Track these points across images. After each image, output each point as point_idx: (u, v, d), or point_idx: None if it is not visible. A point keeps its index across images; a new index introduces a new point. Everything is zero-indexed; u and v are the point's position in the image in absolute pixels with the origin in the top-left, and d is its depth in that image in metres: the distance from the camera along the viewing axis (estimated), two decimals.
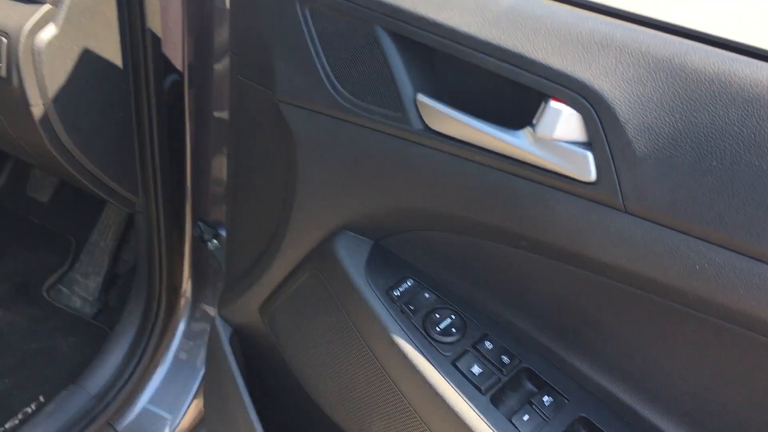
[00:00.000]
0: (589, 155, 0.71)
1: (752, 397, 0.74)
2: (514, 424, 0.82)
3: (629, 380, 0.82)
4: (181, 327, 1.62)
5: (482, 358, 0.87)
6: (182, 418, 1.56)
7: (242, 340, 1.27)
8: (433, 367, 0.85)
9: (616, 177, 0.70)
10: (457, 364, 0.86)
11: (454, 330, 0.89)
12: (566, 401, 0.85)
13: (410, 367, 0.86)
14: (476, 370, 0.86)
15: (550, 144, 0.73)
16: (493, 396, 0.84)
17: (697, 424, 0.79)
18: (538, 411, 0.83)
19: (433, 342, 0.88)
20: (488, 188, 0.79)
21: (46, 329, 1.86)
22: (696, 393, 0.77)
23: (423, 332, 0.89)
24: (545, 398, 0.84)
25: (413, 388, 0.87)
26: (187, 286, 1.61)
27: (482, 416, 0.82)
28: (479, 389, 0.84)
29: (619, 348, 0.81)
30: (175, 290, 1.60)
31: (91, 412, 1.59)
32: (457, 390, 0.84)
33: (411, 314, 0.90)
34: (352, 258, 0.94)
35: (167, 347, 1.63)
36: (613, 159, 0.70)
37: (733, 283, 0.66)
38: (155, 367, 1.62)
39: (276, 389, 1.29)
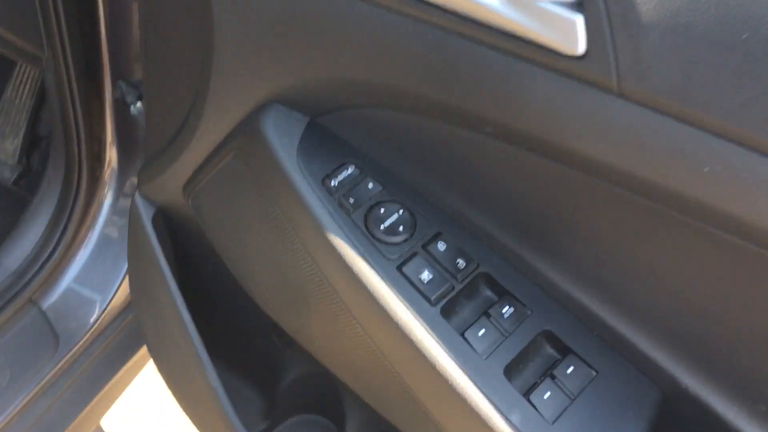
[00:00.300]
0: (579, 19, 0.54)
1: (747, 316, 0.62)
2: (467, 340, 0.70)
3: (603, 290, 0.70)
4: (108, 201, 1.46)
5: (433, 262, 0.73)
6: (112, 299, 1.44)
7: (167, 219, 1.12)
8: (375, 273, 0.72)
9: (611, 49, 0.54)
10: (404, 269, 0.72)
11: (401, 228, 0.75)
12: (529, 312, 0.72)
13: (348, 272, 0.73)
14: (425, 276, 0.72)
15: (528, 4, 0.56)
16: (445, 307, 0.71)
17: (678, 342, 0.67)
18: (495, 324, 0.71)
19: (376, 242, 0.74)
20: (448, 59, 0.62)
21: None
22: (681, 309, 0.65)
23: (365, 230, 0.74)
24: (505, 309, 0.72)
25: (353, 297, 0.74)
26: (111, 154, 1.44)
27: (431, 330, 0.69)
28: (428, 299, 0.71)
29: (594, 253, 0.68)
30: (98, 158, 1.43)
31: (11, 289, 1.45)
32: (403, 300, 0.71)
33: (351, 208, 0.75)
34: (281, 137, 0.78)
35: (93, 222, 1.47)
36: (610, 24, 0.53)
37: (751, 191, 0.52)
38: (80, 243, 1.47)
39: (206, 276, 1.15)
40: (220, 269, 1.05)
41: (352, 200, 0.76)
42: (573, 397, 0.68)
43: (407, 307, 0.70)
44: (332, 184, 0.76)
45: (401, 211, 0.76)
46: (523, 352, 0.70)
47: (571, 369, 0.70)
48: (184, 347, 1.11)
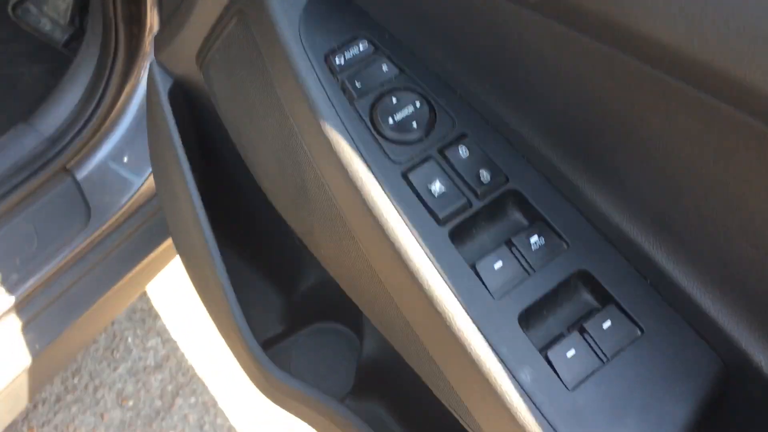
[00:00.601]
0: None
1: None
2: (477, 273, 0.55)
3: (666, 228, 0.53)
4: (146, 74, 1.34)
5: (449, 171, 0.58)
6: (145, 181, 1.35)
7: (185, 93, 0.99)
8: (374, 178, 0.57)
9: None
10: (410, 176, 0.58)
11: (415, 124, 0.59)
12: (565, 246, 0.57)
13: (344, 174, 0.58)
14: (437, 187, 0.57)
15: None
16: (456, 229, 0.57)
17: (757, 306, 0.51)
18: (518, 257, 0.56)
19: (381, 139, 0.59)
20: None
21: (10, 54, 1.61)
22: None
23: (369, 123, 0.59)
24: (534, 239, 0.57)
25: (349, 205, 0.60)
26: (152, 18, 1.31)
27: (433, 257, 0.55)
28: (435, 216, 0.56)
29: (660, 178, 0.51)
30: (137, 21, 1.30)
31: (45, 155, 1.38)
32: (404, 215, 0.56)
33: (356, 94, 0.60)
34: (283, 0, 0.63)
35: (132, 92, 1.37)
36: None
37: None
38: (119, 113, 1.38)
39: (225, 158, 1.04)
40: (233, 153, 0.93)
41: (358, 84, 0.60)
42: (605, 360, 0.53)
43: (408, 225, 0.56)
44: (337, 62, 0.61)
45: (418, 103, 0.60)
46: (549, 295, 0.55)
47: (608, 324, 0.54)
48: (195, 236, 1.00)
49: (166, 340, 1.95)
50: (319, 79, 0.60)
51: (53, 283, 1.36)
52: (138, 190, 1.38)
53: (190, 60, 0.90)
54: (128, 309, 1.98)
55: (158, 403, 1.86)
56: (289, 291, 1.09)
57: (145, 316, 1.98)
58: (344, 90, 0.60)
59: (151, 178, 1.36)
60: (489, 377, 0.52)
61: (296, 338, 1.12)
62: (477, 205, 0.57)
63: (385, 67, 0.61)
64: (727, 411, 0.56)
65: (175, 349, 1.94)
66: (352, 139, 0.58)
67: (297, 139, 0.65)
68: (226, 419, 1.86)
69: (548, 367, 0.53)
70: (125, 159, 1.38)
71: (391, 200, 0.56)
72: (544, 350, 0.53)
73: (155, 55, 0.99)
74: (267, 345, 1.11)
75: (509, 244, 0.56)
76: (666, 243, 0.53)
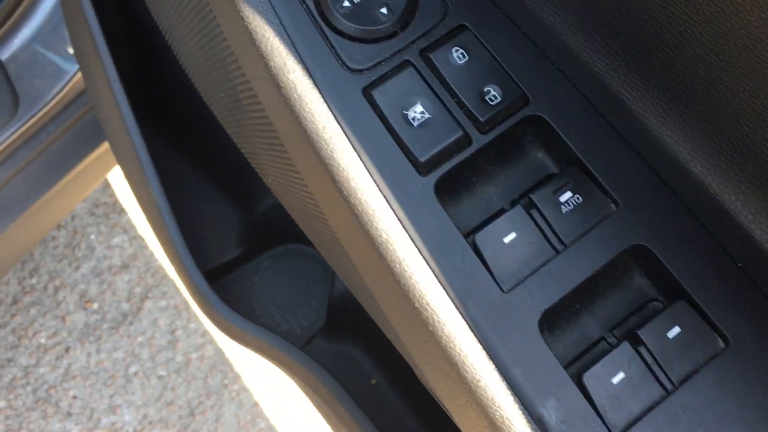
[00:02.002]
0: None
1: None
2: (477, 248, 0.35)
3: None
4: None
5: (438, 86, 0.37)
6: (76, 74, 1.12)
7: None
8: (319, 98, 0.36)
9: None
10: (375, 94, 0.37)
11: (384, 9, 0.38)
12: (613, 208, 0.37)
13: (275, 87, 0.37)
14: (417, 112, 0.36)
15: None
16: (445, 180, 0.36)
17: None
18: (540, 224, 0.36)
19: (329, 32, 0.37)
20: None
21: None
22: None
23: (311, 5, 0.38)
24: (565, 196, 0.36)
25: (287, 130, 0.39)
26: None
27: (411, 222, 0.35)
28: (414, 159, 0.36)
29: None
30: None
31: None
32: (365, 157, 0.36)
33: None
34: None
35: None
36: None
37: None
38: None
39: (152, 38, 0.81)
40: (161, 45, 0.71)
41: None
42: (670, 388, 0.35)
43: (371, 173, 0.36)
44: None
45: None
46: (586, 286, 0.35)
47: (675, 331, 0.35)
48: (124, 141, 0.80)
49: (133, 237, 1.77)
50: None
51: None
52: (74, 77, 1.15)
53: None
54: (90, 202, 1.79)
55: (125, 306, 1.71)
56: (248, 208, 0.90)
57: (109, 210, 1.80)
58: None
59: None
60: (496, 420, 0.33)
61: (258, 262, 0.93)
62: (479, 141, 0.36)
63: None
64: None
65: (143, 247, 1.77)
66: (285, 30, 0.37)
67: (216, 29, 0.43)
68: (200, 323, 1.71)
69: (582, 398, 0.34)
70: (56, 41, 1.15)
71: (345, 132, 0.36)
72: (575, 370, 0.34)
73: None
74: (223, 270, 0.93)
75: (527, 202, 0.36)
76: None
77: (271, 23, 0.37)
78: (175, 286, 1.75)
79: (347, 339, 0.87)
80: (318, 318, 0.91)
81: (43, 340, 1.66)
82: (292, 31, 0.37)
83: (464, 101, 0.36)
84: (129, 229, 1.78)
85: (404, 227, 0.35)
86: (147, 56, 0.88)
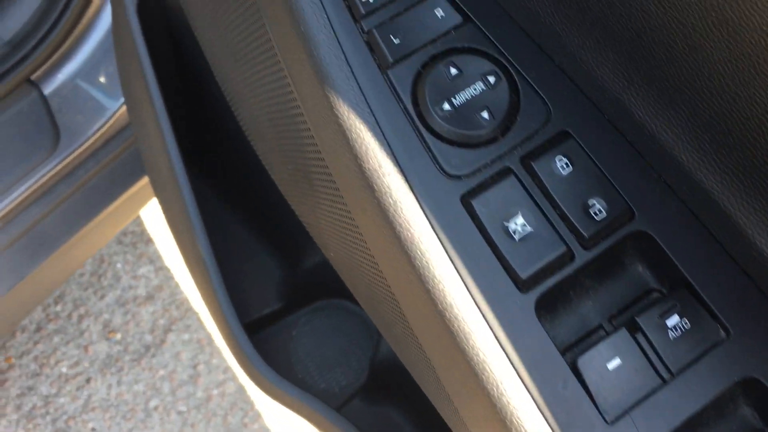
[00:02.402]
0: None
1: None
2: (580, 377, 0.33)
3: None
4: None
5: (541, 198, 0.35)
6: (123, 105, 1.12)
7: (159, 7, 0.75)
8: (415, 204, 0.35)
9: None
10: (475, 203, 0.35)
11: (486, 114, 0.36)
12: (722, 334, 0.35)
13: (365, 187, 0.36)
14: (519, 226, 0.35)
15: None
16: (546, 298, 0.34)
17: None
18: (647, 350, 0.34)
19: (428, 135, 0.36)
20: None
21: None
22: None
23: (409, 107, 0.36)
24: (672, 320, 0.34)
25: (375, 233, 0.38)
26: None
27: (509, 343, 0.33)
28: (515, 277, 0.34)
29: None
30: None
31: (5, 62, 1.15)
32: (463, 270, 0.34)
33: (389, 56, 0.37)
34: None
35: None
36: None
37: None
38: (92, 19, 1.13)
39: (205, 90, 0.80)
40: (214, 91, 0.70)
41: (396, 39, 0.37)
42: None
43: (468, 287, 0.34)
44: None
45: (492, 78, 0.36)
46: (694, 419, 0.33)
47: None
48: (171, 188, 0.79)
49: (159, 268, 1.76)
50: (331, 27, 0.36)
51: (15, 220, 1.15)
52: (116, 113, 1.15)
53: None
54: (118, 231, 1.78)
55: (148, 338, 1.69)
56: (292, 262, 0.88)
57: (137, 240, 1.79)
58: (372, 48, 0.37)
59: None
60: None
61: (297, 316, 0.91)
62: (582, 257, 0.35)
63: (440, 12, 0.37)
64: None
65: (169, 278, 1.76)
66: (381, 131, 0.35)
67: (298, 110, 0.42)
68: (222, 359, 1.70)
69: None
70: (101, 78, 1.15)
71: (442, 242, 0.34)
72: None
73: None
74: (262, 323, 0.91)
75: (631, 325, 0.34)
76: None
77: (367, 122, 0.35)
78: (198, 319, 1.73)
79: (388, 403, 0.85)
80: (357, 377, 0.89)
81: (64, 369, 1.65)
82: (388, 132, 0.35)
83: (568, 214, 0.35)
84: (155, 260, 1.77)
85: (502, 347, 0.33)
86: (197, 101, 0.87)
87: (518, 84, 0.36)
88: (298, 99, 0.41)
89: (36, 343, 1.66)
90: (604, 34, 0.33)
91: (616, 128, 0.36)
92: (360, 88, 0.36)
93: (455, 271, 0.34)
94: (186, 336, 1.71)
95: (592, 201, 0.35)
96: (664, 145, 0.34)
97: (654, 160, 0.35)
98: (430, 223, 0.34)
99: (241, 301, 0.80)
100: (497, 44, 0.37)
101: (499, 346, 0.33)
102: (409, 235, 0.34)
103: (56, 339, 1.67)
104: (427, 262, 0.34)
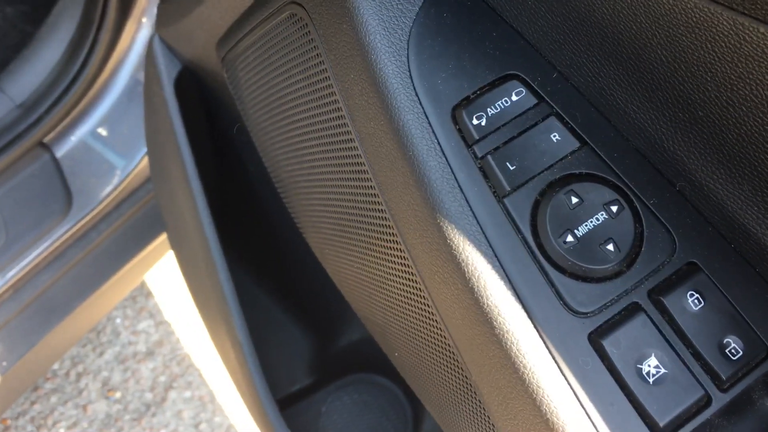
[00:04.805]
0: None
1: None
2: None
3: None
4: (146, 31, 1.07)
5: (673, 337, 0.34)
6: (136, 166, 1.09)
7: (195, 82, 0.74)
8: (541, 344, 0.33)
9: None
10: (605, 343, 0.33)
11: (611, 246, 0.34)
12: None
13: (484, 326, 0.34)
14: (653, 368, 0.33)
15: None
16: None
17: None
18: None
19: (550, 270, 0.34)
20: None
21: None
22: None
23: (530, 239, 0.34)
24: None
25: (492, 377, 0.36)
26: None
27: None
28: (653, 425, 0.32)
29: None
30: None
31: (17, 126, 1.12)
32: (595, 418, 0.32)
33: (506, 185, 0.35)
34: (384, 7, 0.36)
35: (123, 56, 1.10)
36: None
37: None
38: (106, 81, 1.11)
39: (239, 166, 0.79)
40: (256, 166, 0.68)
41: (512, 165, 0.35)
42: None
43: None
44: (474, 121, 0.35)
45: (615, 207, 0.35)
46: None
47: None
48: (203, 265, 0.76)
49: (160, 322, 1.72)
50: (443, 154, 0.35)
51: (26, 285, 1.12)
52: (129, 174, 1.12)
53: (208, 47, 0.64)
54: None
55: (149, 396, 1.65)
56: (326, 341, 0.86)
57: (137, 293, 1.75)
58: (486, 175, 0.35)
59: (144, 161, 1.10)
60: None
61: (327, 392, 0.89)
62: (719, 400, 0.33)
63: (556, 136, 0.36)
64: None
65: (170, 333, 1.72)
66: (502, 266, 0.33)
67: (390, 235, 0.40)
68: (224, 417, 1.65)
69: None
70: (111, 138, 1.12)
71: (570, 384, 0.32)
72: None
73: (158, 28, 0.72)
74: (291, 400, 0.88)
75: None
76: None
77: (485, 254, 0.33)
78: (200, 376, 1.69)
79: None
80: None
81: (63, 431, 1.59)
82: (508, 266, 0.33)
83: (703, 355, 0.33)
84: (155, 314, 1.73)
85: None
86: (228, 173, 0.85)
87: (642, 213, 0.35)
88: (392, 221, 0.39)
89: (33, 403, 1.61)
90: (744, 167, 0.32)
91: (745, 258, 0.35)
92: (476, 217, 0.34)
93: (586, 416, 0.32)
94: (188, 393, 1.66)
95: (727, 339, 0.33)
96: None
97: None
98: (556, 363, 0.33)
99: (270, 378, 0.78)
100: (616, 170, 0.35)
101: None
102: (535, 377, 0.32)
103: (54, 399, 1.62)
104: (555, 408, 0.32)
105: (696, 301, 0.34)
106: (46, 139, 1.15)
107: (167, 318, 1.73)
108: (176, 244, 0.93)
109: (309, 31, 0.42)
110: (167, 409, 1.64)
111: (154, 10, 1.08)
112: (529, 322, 0.33)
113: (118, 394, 1.64)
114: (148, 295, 1.75)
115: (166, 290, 1.75)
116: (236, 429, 1.64)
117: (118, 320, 1.71)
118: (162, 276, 1.76)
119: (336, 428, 0.88)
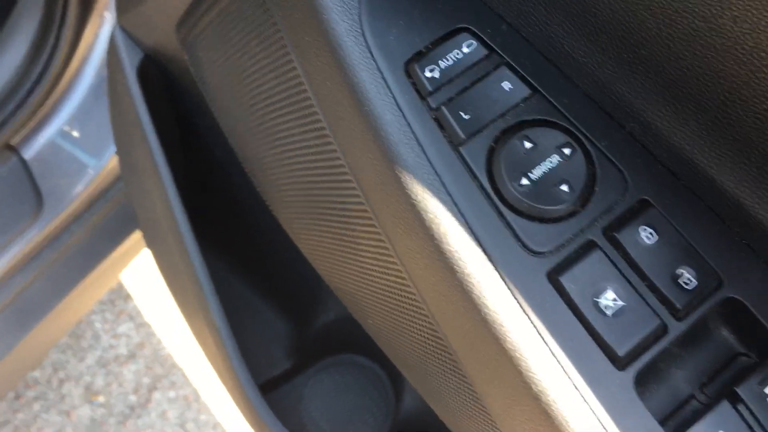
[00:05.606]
0: None
1: None
2: None
3: None
4: (107, 29, 1.07)
5: (628, 270, 0.35)
6: (107, 164, 1.09)
7: (158, 69, 0.74)
8: (500, 283, 0.34)
9: None
10: (563, 280, 0.34)
11: (565, 186, 0.35)
12: None
13: (445, 271, 0.35)
14: (610, 301, 0.34)
15: None
16: (645, 374, 0.34)
17: None
18: (748, 419, 0.33)
19: (507, 212, 0.35)
20: None
21: None
22: None
23: (485, 184, 0.35)
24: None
25: (452, 320, 0.36)
26: None
27: (604, 407, 0.32)
28: (613, 355, 0.33)
29: None
30: None
31: None
32: (557, 352, 0.33)
33: (461, 133, 0.36)
34: None
35: (88, 51, 1.10)
36: None
37: None
38: (72, 78, 1.11)
39: (207, 150, 0.79)
40: (223, 150, 0.69)
41: (466, 115, 0.36)
42: None
43: (567, 366, 0.33)
44: (427, 74, 0.36)
45: (568, 150, 0.36)
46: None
47: None
48: (176, 251, 0.76)
49: (140, 324, 1.72)
50: (398, 108, 0.35)
51: (0, 289, 1.11)
52: (99, 173, 1.12)
53: (167, 31, 0.64)
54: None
55: (133, 398, 1.64)
56: (299, 322, 0.86)
57: (115, 296, 1.74)
58: (442, 125, 0.36)
59: (114, 159, 1.10)
60: None
61: (307, 375, 0.89)
62: (675, 329, 0.34)
63: (507, 85, 0.36)
64: None
65: (151, 334, 1.71)
66: (460, 212, 0.34)
67: (352, 191, 0.40)
68: (210, 415, 1.65)
69: None
70: (80, 137, 1.12)
71: (532, 322, 0.33)
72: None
73: (118, 17, 0.72)
74: (272, 385, 0.89)
75: (732, 397, 0.33)
76: None
77: (443, 201, 0.34)
78: (183, 375, 1.69)
79: None
80: None
81: None
82: (466, 211, 0.34)
83: (658, 286, 0.34)
84: (135, 316, 1.73)
85: (606, 429, 0.32)
86: (196, 156, 0.85)
87: (593, 154, 0.36)
88: (354, 181, 0.40)
89: (15, 411, 1.60)
90: (688, 103, 0.33)
91: (694, 193, 0.36)
92: (433, 166, 0.35)
93: (549, 351, 0.33)
94: (172, 393, 1.66)
95: (680, 270, 0.34)
96: (747, 208, 0.34)
97: (736, 224, 0.35)
98: (517, 302, 0.33)
99: (250, 364, 0.78)
100: (567, 115, 0.36)
101: (603, 429, 0.32)
102: (497, 317, 0.33)
103: (36, 406, 1.61)
104: (518, 344, 0.33)
105: (649, 235, 0.35)
106: (13, 141, 1.14)
107: (147, 320, 1.72)
108: (150, 238, 0.93)
109: (264, 1, 0.43)
110: (152, 411, 1.64)
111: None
112: (489, 264, 0.34)
113: (101, 399, 1.63)
114: (127, 297, 1.74)
115: (145, 292, 1.75)
116: (222, 426, 1.64)
117: (98, 324, 1.70)
118: (140, 278, 1.75)
119: (319, 410, 0.89)
